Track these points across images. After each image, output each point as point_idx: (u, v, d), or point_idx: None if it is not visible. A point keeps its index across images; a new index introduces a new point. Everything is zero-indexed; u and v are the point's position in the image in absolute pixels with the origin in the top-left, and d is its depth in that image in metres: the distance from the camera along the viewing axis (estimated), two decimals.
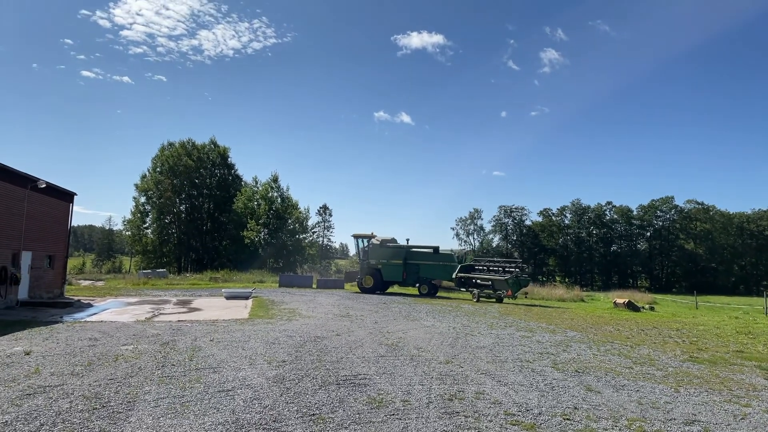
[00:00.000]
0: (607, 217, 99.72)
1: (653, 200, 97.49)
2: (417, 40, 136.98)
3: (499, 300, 30.30)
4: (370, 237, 37.18)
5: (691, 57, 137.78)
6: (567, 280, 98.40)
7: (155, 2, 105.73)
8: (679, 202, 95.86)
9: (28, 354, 10.71)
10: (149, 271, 44.95)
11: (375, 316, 19.74)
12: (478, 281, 32.22)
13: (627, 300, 29.93)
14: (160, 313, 20.02)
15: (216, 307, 23.25)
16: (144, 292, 31.29)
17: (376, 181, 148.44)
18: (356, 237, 37.91)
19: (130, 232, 55.86)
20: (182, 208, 56.06)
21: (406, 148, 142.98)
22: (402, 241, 36.60)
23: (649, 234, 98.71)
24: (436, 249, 35.53)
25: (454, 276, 33.49)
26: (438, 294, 35.43)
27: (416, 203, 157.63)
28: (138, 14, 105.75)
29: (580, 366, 10.99)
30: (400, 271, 34.64)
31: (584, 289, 63.29)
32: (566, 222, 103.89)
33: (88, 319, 17.79)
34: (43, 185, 22.82)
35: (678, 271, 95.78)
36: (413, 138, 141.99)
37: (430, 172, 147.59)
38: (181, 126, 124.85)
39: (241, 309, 22.40)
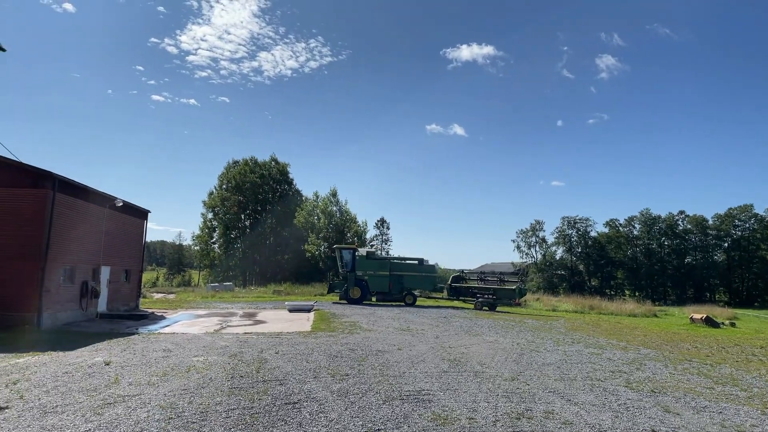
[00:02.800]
0: (680, 228, 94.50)
1: (730, 209, 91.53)
2: (467, 52, 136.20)
3: (493, 308, 32.60)
4: (354, 248, 37.70)
5: (759, 57, 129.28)
6: (637, 294, 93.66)
7: (218, 28, 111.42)
8: (759, 210, 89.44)
9: (107, 364, 11.33)
10: (217, 284, 46.77)
11: (436, 331, 19.53)
12: (475, 291, 34.54)
13: (705, 315, 28.09)
14: (228, 326, 20.71)
15: (280, 320, 23.78)
16: (212, 304, 32.51)
17: (430, 193, 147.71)
18: (339, 248, 38.01)
19: (198, 247, 58.57)
20: (246, 223, 58.05)
21: (459, 160, 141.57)
22: (383, 254, 37.71)
23: (726, 245, 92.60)
24: (420, 260, 37.29)
25: (446, 285, 36.35)
26: (417, 303, 35.88)
27: (470, 215, 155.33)
28: (202, 39, 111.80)
29: (656, 385, 10.38)
30: (386, 282, 35.50)
31: (656, 303, 60.07)
32: (635, 233, 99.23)
33: (161, 330, 18.65)
34: (120, 204, 24.29)
35: (760, 284, 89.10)
36: (467, 150, 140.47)
37: (485, 183, 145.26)
38: (243, 144, 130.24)
39: (304, 322, 22.79)
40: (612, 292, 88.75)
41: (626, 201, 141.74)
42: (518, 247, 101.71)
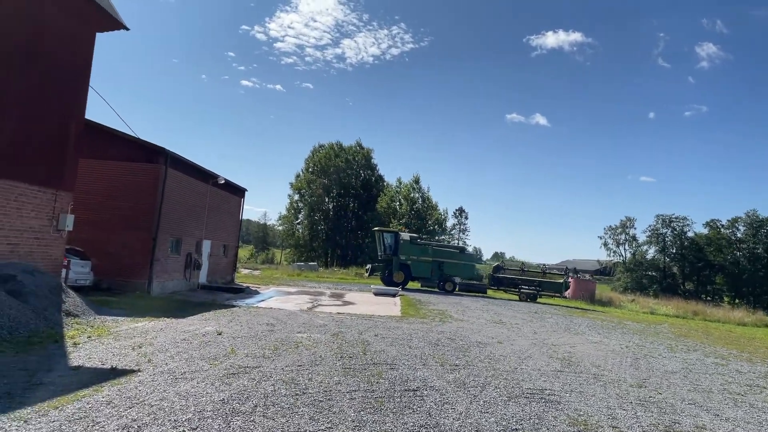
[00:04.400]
0: None
1: None
2: (553, 39, 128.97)
3: (533, 299, 33.22)
4: (396, 232, 37.28)
5: None
6: (737, 301, 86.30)
7: (305, 15, 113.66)
8: None
9: (220, 334, 11.69)
10: (302, 263, 48.13)
11: (531, 326, 18.73)
12: (518, 282, 35.11)
13: None
14: (319, 304, 21.05)
15: (367, 302, 23.88)
16: (299, 283, 33.39)
17: (509, 184, 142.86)
18: (381, 231, 37.46)
19: (283, 227, 60.54)
20: (330, 206, 59.14)
21: (540, 151, 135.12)
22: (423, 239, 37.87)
23: None
24: (461, 249, 38.67)
25: (488, 274, 37.21)
26: (459, 291, 35.23)
27: (550, 209, 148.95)
28: (290, 27, 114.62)
29: None
30: (428, 268, 35.07)
31: (765, 312, 54.88)
32: (738, 235, 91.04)
33: (258, 305, 19.24)
34: (222, 181, 25.28)
35: None
36: (549, 140, 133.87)
37: (567, 176, 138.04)
38: (325, 129, 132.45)
39: (392, 306, 22.73)
40: (708, 298, 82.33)
41: (726, 200, 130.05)
42: (605, 245, 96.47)
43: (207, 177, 24.31)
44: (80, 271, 17.03)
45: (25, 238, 13.18)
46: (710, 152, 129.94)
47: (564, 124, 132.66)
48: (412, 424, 6.04)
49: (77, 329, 11.01)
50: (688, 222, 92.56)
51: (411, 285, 35.07)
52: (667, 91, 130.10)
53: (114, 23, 15.33)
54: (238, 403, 6.39)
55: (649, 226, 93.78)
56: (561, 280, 34.92)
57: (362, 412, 6.33)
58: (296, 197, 60.05)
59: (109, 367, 7.86)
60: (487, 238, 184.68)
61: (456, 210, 77.10)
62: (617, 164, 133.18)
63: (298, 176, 60.10)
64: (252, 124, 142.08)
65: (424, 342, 12.73)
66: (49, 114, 13.68)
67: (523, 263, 42.97)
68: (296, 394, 6.94)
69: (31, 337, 9.65)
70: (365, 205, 59.00)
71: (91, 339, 10.10)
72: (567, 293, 35.54)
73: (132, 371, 7.69)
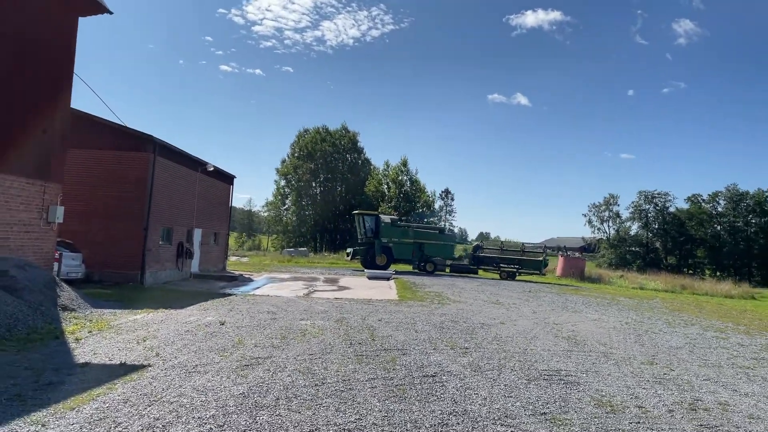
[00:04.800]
0: None
1: None
2: (532, 18, 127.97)
3: (512, 277, 33.58)
4: (377, 215, 36.99)
5: None
6: (718, 274, 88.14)
7: None
8: None
9: (223, 324, 11.47)
10: (292, 249, 47.83)
11: (529, 306, 18.82)
12: (498, 261, 35.42)
13: None
14: (315, 290, 20.89)
15: (362, 286, 23.79)
16: (291, 269, 33.15)
17: (492, 164, 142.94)
18: (361, 214, 37.34)
19: (270, 213, 59.98)
20: (318, 191, 58.67)
21: (522, 131, 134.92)
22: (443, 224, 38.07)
23: None
24: (441, 229, 38.61)
25: (469, 254, 37.03)
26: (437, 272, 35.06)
27: (534, 188, 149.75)
28: (267, 10, 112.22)
29: None
30: (410, 249, 35.13)
31: (743, 284, 56.05)
32: (719, 209, 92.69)
33: (254, 292, 19.02)
34: (212, 168, 24.79)
35: None
36: (530, 120, 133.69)
37: (549, 155, 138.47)
38: (308, 114, 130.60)
39: (387, 290, 22.68)
40: (690, 271, 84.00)
41: (706, 175, 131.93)
42: (590, 222, 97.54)
43: (196, 164, 23.81)
44: (72, 264, 16.60)
45: (15, 232, 12.74)
46: (689, 128, 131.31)
47: (545, 104, 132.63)
48: (440, 411, 5.94)
49: (76, 324, 10.71)
50: (670, 197, 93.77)
51: (398, 267, 35.05)
52: (646, 68, 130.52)
53: (97, 7, 14.72)
54: (260, 396, 6.22)
55: (632, 202, 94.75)
56: (540, 258, 35.82)
57: (387, 401, 6.22)
58: (283, 183, 59.50)
59: (118, 362, 7.63)
60: (472, 218, 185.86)
61: (442, 191, 77.21)
62: (598, 142, 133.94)
63: (284, 161, 59.48)
64: (233, 109, 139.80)
65: (428, 325, 12.67)
66: (34, 103, 13.13)
67: (502, 242, 43.41)
68: (316, 385, 6.80)
69: (31, 334, 9.35)
70: (353, 189, 58.68)
71: (93, 334, 9.83)
72: (557, 271, 36.03)
73: (142, 366, 7.47)
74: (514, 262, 35.07)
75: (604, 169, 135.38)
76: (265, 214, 79.63)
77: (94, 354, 8.16)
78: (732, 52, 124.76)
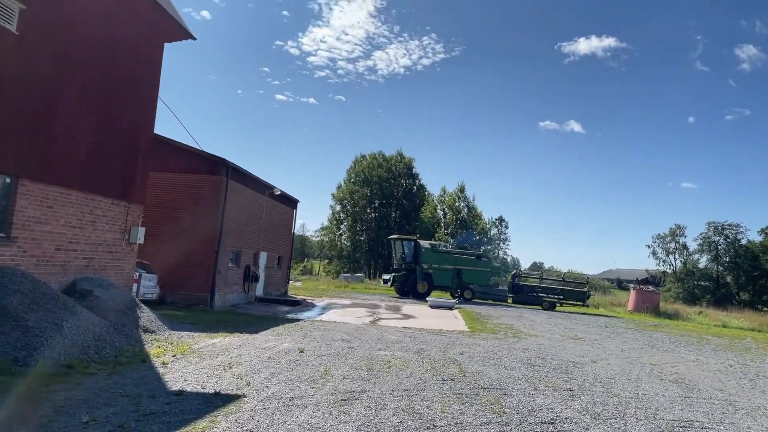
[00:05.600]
0: None
1: None
2: (585, 45, 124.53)
3: (552, 308, 32.44)
4: (415, 240, 35.50)
5: None
6: None
7: (336, 29, 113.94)
8: None
9: (302, 352, 11.06)
10: (348, 275, 47.64)
11: (613, 342, 17.55)
12: (538, 290, 34.28)
13: None
14: (380, 318, 20.32)
15: (427, 315, 23.05)
16: (350, 294, 32.76)
17: (546, 192, 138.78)
18: (400, 239, 36.14)
19: (325, 238, 60.23)
20: (372, 216, 58.61)
21: (576, 159, 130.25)
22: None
23: None
24: (479, 255, 37.25)
25: (508, 282, 36.08)
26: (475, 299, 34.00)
27: (590, 218, 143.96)
28: (322, 41, 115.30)
29: None
30: (449, 276, 33.82)
31: None
32: None
33: (320, 318, 18.64)
34: (278, 192, 24.95)
35: None
36: (584, 148, 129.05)
37: (605, 184, 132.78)
38: (357, 141, 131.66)
39: (453, 320, 21.84)
40: (765, 309, 78.18)
41: None
42: (654, 253, 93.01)
43: (263, 188, 24.01)
44: (148, 285, 16.78)
45: (99, 252, 12.91)
46: (755, 156, 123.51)
47: (600, 131, 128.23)
48: None
49: (159, 347, 10.56)
50: (741, 229, 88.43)
51: (434, 294, 33.70)
52: (707, 95, 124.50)
53: (182, 33, 15.08)
54: None
55: (701, 234, 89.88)
56: (584, 289, 34.96)
57: None
58: (338, 208, 59.84)
59: (212, 391, 7.27)
60: (526, 248, 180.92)
61: (495, 219, 75.69)
62: (658, 171, 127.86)
63: (339, 187, 59.89)
64: (287, 136, 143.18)
65: (516, 361, 11.83)
66: (121, 126, 13.42)
67: (542, 271, 43.05)
68: (426, 428, 6.17)
69: (118, 357, 9.21)
70: (408, 215, 58.26)
71: (177, 358, 9.60)
72: (629, 305, 34.16)
73: (237, 396, 7.08)
74: (555, 292, 33.91)
75: (665, 199, 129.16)
76: (318, 238, 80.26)
77: (185, 381, 7.85)
78: None
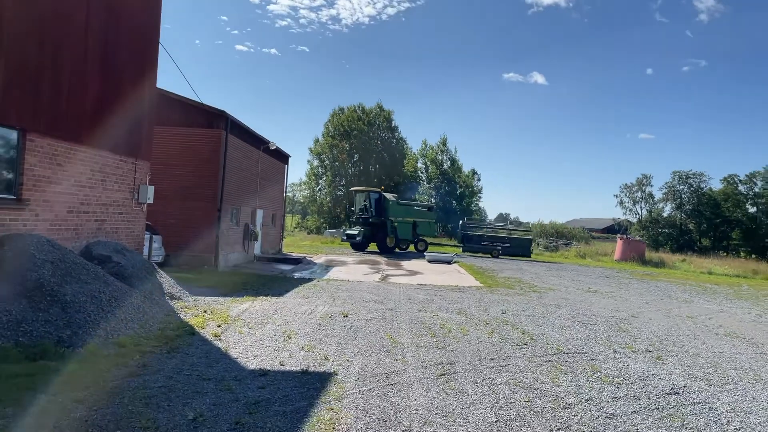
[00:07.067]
0: None
1: None
2: None
3: (496, 256, 33.61)
4: (380, 192, 33.06)
5: None
6: (754, 256, 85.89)
7: None
8: None
9: (346, 317, 10.42)
10: (333, 230, 46.80)
11: (629, 294, 17.60)
12: (486, 240, 35.32)
13: None
14: (387, 275, 19.82)
15: (430, 270, 22.67)
16: (343, 251, 32.09)
17: (511, 144, 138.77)
18: (360, 191, 33.71)
19: (305, 193, 58.65)
20: (351, 170, 57.23)
21: (539, 112, 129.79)
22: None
23: None
24: (429, 207, 37.22)
25: (459, 233, 36.28)
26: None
27: (553, 168, 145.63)
28: None
29: None
30: (409, 229, 32.87)
31: None
32: (756, 190, 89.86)
33: (331, 277, 17.98)
34: (274, 147, 23.57)
35: None
36: (548, 100, 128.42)
37: (568, 135, 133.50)
38: (324, 93, 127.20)
39: (459, 274, 21.56)
40: (724, 254, 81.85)
41: (735, 154, 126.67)
42: (621, 203, 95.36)
43: (258, 142, 22.62)
44: (155, 247, 15.60)
45: (110, 214, 11.70)
46: (712, 106, 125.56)
47: (563, 83, 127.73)
48: None
49: (195, 315, 9.70)
50: (705, 178, 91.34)
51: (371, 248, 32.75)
52: (665, 47, 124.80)
53: None
54: (519, 424, 5.08)
55: (666, 183, 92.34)
56: (530, 237, 36.89)
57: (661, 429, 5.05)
58: (315, 162, 58.12)
59: (297, 369, 6.55)
60: (493, 199, 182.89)
61: (469, 171, 75.48)
62: (617, 122, 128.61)
63: (317, 141, 57.96)
64: (248, 89, 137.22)
65: (562, 319, 11.55)
66: (124, 75, 11.94)
67: (487, 221, 44.69)
68: (564, 407, 5.64)
69: (163, 330, 8.32)
70: (389, 169, 57.13)
71: (222, 328, 8.78)
72: (616, 254, 34.87)
73: (328, 375, 6.40)
74: (503, 241, 34.98)
75: (626, 150, 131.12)
76: (294, 193, 78.55)
77: (255, 356, 7.09)
78: (754, 28, 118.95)
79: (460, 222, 38.62)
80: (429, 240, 34.71)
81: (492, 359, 7.58)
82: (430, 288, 16.13)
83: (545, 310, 12.82)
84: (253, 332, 8.61)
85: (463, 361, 7.33)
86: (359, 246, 32.21)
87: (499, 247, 34.17)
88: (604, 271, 27.26)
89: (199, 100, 17.95)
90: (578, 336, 9.67)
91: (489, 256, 33.62)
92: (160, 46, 13.54)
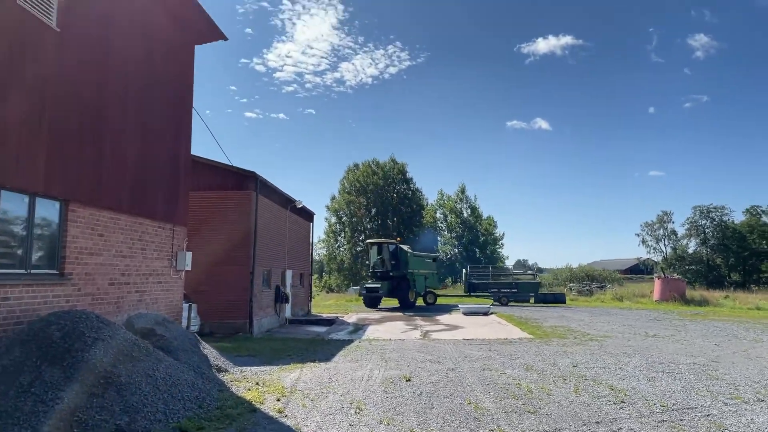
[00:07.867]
0: None
1: None
2: (543, 45, 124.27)
3: (505, 303, 32.38)
4: (396, 244, 31.17)
5: None
6: None
7: (301, 43, 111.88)
8: None
9: (409, 380, 9.56)
10: (357, 287, 45.85)
11: (691, 337, 16.49)
12: (493, 286, 34.48)
13: None
14: (427, 331, 18.86)
15: (471, 324, 21.66)
16: (369, 309, 31.09)
17: (520, 190, 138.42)
18: (378, 243, 31.73)
19: (324, 251, 58.11)
20: (370, 225, 56.93)
21: (545, 156, 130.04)
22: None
23: None
24: (434, 257, 36.07)
25: (464, 281, 36.07)
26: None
27: (567, 212, 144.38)
28: (287, 56, 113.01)
29: None
30: (423, 282, 31.74)
31: None
32: None
33: (371, 336, 17.10)
34: (300, 205, 23.28)
35: None
36: (553, 144, 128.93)
37: (576, 178, 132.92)
38: (333, 153, 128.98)
39: (503, 326, 20.52)
40: (756, 287, 79.14)
41: (750, 184, 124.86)
42: (644, 242, 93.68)
43: (286, 202, 22.31)
44: (192, 316, 14.94)
45: (150, 284, 11.15)
46: (717, 140, 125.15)
47: (566, 127, 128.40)
48: None
49: (249, 389, 8.90)
50: (726, 211, 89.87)
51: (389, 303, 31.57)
52: (665, 85, 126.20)
53: (214, 32, 13.40)
54: None
55: (687, 218, 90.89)
56: (537, 280, 36.23)
57: None
58: (333, 219, 57.92)
59: None
60: (508, 246, 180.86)
61: (488, 218, 74.88)
62: (624, 161, 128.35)
63: (333, 198, 58.02)
64: (257, 154, 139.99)
65: (642, 369, 10.60)
66: (160, 141, 11.68)
67: (492, 267, 44.41)
68: None
69: (221, 408, 7.53)
70: (407, 222, 56.80)
71: (282, 402, 7.98)
72: (655, 295, 33.50)
73: None
74: (510, 286, 34.38)
75: (636, 189, 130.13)
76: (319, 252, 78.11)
77: None
78: (751, 61, 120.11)
79: (464, 270, 38.42)
80: (437, 291, 34.02)
81: (598, 423, 6.68)
82: (479, 342, 15.20)
83: (616, 360, 11.84)
84: (317, 405, 7.79)
85: (570, 429, 6.44)
86: (373, 302, 30.24)
87: (506, 293, 33.39)
88: (649, 314, 25.98)
89: (229, 162, 17.76)
90: (673, 388, 8.71)
91: (499, 303, 32.45)
92: (193, 111, 13.44)
